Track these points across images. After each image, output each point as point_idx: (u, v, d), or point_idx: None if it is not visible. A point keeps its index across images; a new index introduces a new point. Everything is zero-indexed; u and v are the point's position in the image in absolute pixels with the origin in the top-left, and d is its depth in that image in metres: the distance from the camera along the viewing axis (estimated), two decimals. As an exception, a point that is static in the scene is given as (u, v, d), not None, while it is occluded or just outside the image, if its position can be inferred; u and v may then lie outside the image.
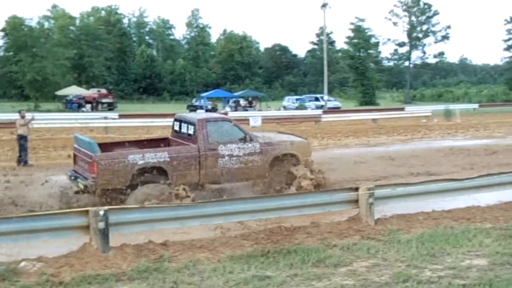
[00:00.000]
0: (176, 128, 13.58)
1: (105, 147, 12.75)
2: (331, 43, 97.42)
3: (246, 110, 56.23)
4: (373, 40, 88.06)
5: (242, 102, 62.84)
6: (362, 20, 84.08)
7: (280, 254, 8.08)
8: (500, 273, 7.23)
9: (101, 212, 8.06)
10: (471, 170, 16.54)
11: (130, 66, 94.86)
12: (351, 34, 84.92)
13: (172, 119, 14.39)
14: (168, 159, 11.87)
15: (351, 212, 10.23)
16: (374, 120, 40.31)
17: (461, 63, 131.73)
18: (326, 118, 41.20)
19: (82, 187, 11.69)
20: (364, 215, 9.90)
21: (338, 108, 61.67)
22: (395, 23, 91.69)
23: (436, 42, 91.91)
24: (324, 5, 62.55)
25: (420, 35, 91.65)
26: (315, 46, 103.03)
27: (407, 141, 27.17)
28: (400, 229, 9.47)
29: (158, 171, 11.78)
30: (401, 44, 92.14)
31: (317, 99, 66.38)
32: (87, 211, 8.22)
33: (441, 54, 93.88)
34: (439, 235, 8.95)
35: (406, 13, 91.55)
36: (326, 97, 63.54)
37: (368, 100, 77.71)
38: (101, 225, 8.00)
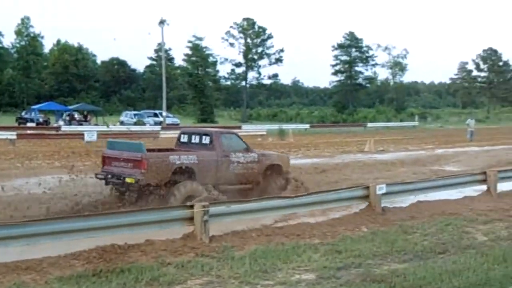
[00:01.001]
0: (184, 140, 15.47)
1: None
2: (170, 59, 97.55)
3: (81, 124, 54.35)
4: (211, 59, 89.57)
5: (77, 116, 60.61)
6: (200, 39, 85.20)
7: (113, 274, 7.81)
8: (327, 286, 7.57)
9: None
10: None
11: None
12: (190, 52, 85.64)
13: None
14: (196, 161, 13.80)
15: (187, 229, 10.19)
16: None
17: (294, 85, 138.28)
18: (165, 134, 41.07)
19: (133, 181, 13.02)
20: (199, 232, 9.89)
21: (177, 124, 61.75)
22: (231, 44, 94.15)
23: (270, 64, 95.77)
24: (162, 22, 62.41)
25: (256, 57, 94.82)
26: (154, 62, 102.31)
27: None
28: (234, 246, 9.58)
29: (188, 171, 13.67)
30: (238, 65, 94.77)
31: (156, 115, 65.94)
32: None
33: (275, 76, 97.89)
34: (271, 251, 9.18)
35: (242, 35, 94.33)
36: (165, 113, 63.32)
37: (206, 118, 78.68)
38: None
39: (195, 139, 15.06)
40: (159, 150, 15.39)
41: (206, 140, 14.70)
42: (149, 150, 14.36)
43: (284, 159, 16.48)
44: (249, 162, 14.89)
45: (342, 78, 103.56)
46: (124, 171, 13.47)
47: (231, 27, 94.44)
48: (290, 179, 15.68)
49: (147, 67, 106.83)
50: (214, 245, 9.63)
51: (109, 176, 13.75)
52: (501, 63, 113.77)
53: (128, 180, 13.14)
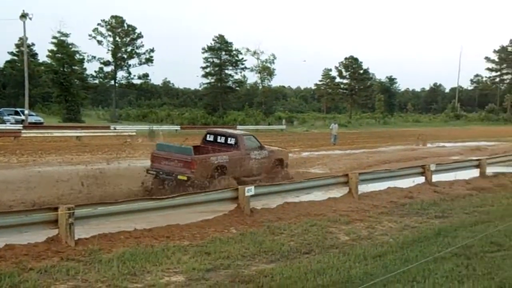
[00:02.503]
0: (210, 139, 19.06)
1: None
2: (33, 55, 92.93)
3: None
4: (78, 56, 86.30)
5: None
6: (66, 35, 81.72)
7: (-34, 283, 7.31)
8: (196, 288, 7.59)
9: None
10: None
11: None
12: (55, 48, 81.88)
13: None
14: (227, 160, 17.33)
15: (50, 232, 9.76)
16: (78, 137, 39.53)
17: (164, 86, 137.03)
18: (27, 134, 39.20)
19: (185, 178, 16.19)
20: (64, 235, 9.52)
21: (41, 123, 58.99)
22: (100, 42, 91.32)
23: (140, 64, 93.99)
24: (24, 15, 59.03)
25: (125, 56, 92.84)
26: (15, 57, 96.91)
27: (112, 160, 27.12)
28: (101, 249, 9.33)
29: (222, 168, 17.08)
30: (107, 63, 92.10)
31: (17, 113, 62.52)
32: None
33: (145, 76, 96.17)
34: (140, 253, 9.04)
35: (110, 33, 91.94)
36: (27, 111, 60.17)
37: (73, 117, 75.71)
38: None
39: (221, 139, 18.66)
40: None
41: (231, 141, 18.39)
42: None
43: (285, 153, 20.64)
44: (262, 158, 18.77)
45: (213, 80, 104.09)
46: (175, 169, 16.60)
47: (99, 24, 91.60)
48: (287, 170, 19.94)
49: (7, 62, 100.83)
50: (80, 248, 9.32)
51: (160, 172, 16.90)
52: (361, 71, 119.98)
53: (180, 177, 16.29)
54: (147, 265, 8.50)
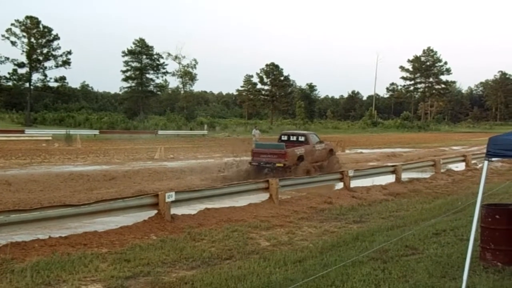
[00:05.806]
0: (284, 138, 25.39)
1: None
2: None
3: None
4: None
5: None
6: (-24, 36, 78.40)
7: None
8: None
9: None
10: (91, 195, 16.74)
11: None
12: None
13: None
14: (304, 151, 23.77)
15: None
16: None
17: (83, 89, 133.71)
18: None
19: (282, 165, 22.27)
20: (-27, 245, 9.07)
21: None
22: (13, 43, 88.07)
23: (57, 66, 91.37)
24: None
25: (41, 58, 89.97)
26: None
27: (25, 165, 26.21)
28: (14, 258, 8.97)
29: (301, 157, 23.40)
30: (21, 65, 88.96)
31: None
32: None
33: (62, 78, 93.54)
34: (56, 262, 8.74)
35: (25, 34, 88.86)
36: None
37: (-17, 120, 72.67)
38: None
39: (293, 138, 25.24)
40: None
41: (302, 138, 25.09)
42: None
43: (334, 145, 28.52)
44: (322, 148, 25.47)
45: (133, 84, 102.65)
46: (272, 160, 22.62)
47: (12, 24, 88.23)
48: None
49: None
50: (-9, 258, 8.91)
51: (261, 163, 22.83)
52: (282, 78, 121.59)
53: (278, 164, 22.35)
54: (63, 274, 8.22)
